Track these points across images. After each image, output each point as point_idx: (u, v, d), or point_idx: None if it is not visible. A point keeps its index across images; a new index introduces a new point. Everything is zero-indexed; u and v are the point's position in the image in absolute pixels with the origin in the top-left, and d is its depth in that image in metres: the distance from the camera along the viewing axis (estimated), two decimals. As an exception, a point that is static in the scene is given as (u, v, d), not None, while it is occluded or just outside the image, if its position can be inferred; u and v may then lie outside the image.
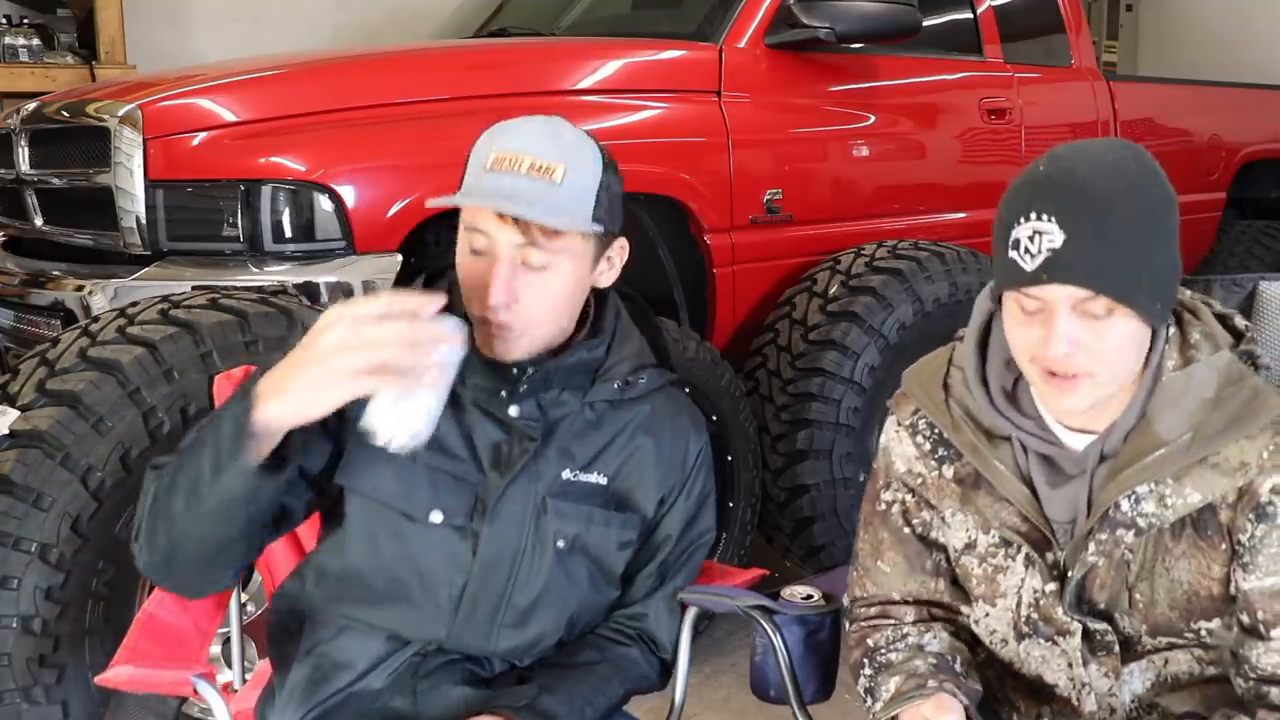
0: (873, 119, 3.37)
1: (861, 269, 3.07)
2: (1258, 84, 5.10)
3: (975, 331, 1.41)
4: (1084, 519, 1.34)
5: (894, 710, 1.39)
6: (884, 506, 1.51)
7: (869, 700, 1.46)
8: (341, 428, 1.38)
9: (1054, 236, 1.20)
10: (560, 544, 1.44)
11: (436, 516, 1.41)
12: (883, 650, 1.47)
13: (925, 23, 3.24)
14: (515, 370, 1.40)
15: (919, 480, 1.46)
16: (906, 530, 1.49)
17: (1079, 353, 1.23)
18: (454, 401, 1.40)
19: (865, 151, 3.33)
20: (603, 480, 1.48)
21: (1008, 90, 3.74)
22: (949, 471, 1.43)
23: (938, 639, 1.47)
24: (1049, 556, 1.37)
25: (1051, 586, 1.37)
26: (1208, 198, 4.57)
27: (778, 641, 1.58)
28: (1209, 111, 4.63)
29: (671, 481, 1.53)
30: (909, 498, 1.48)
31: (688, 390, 2.71)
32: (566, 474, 1.45)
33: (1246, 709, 1.32)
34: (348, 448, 1.40)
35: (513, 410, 1.42)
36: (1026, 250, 1.22)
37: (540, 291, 1.38)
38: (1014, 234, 1.23)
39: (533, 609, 1.45)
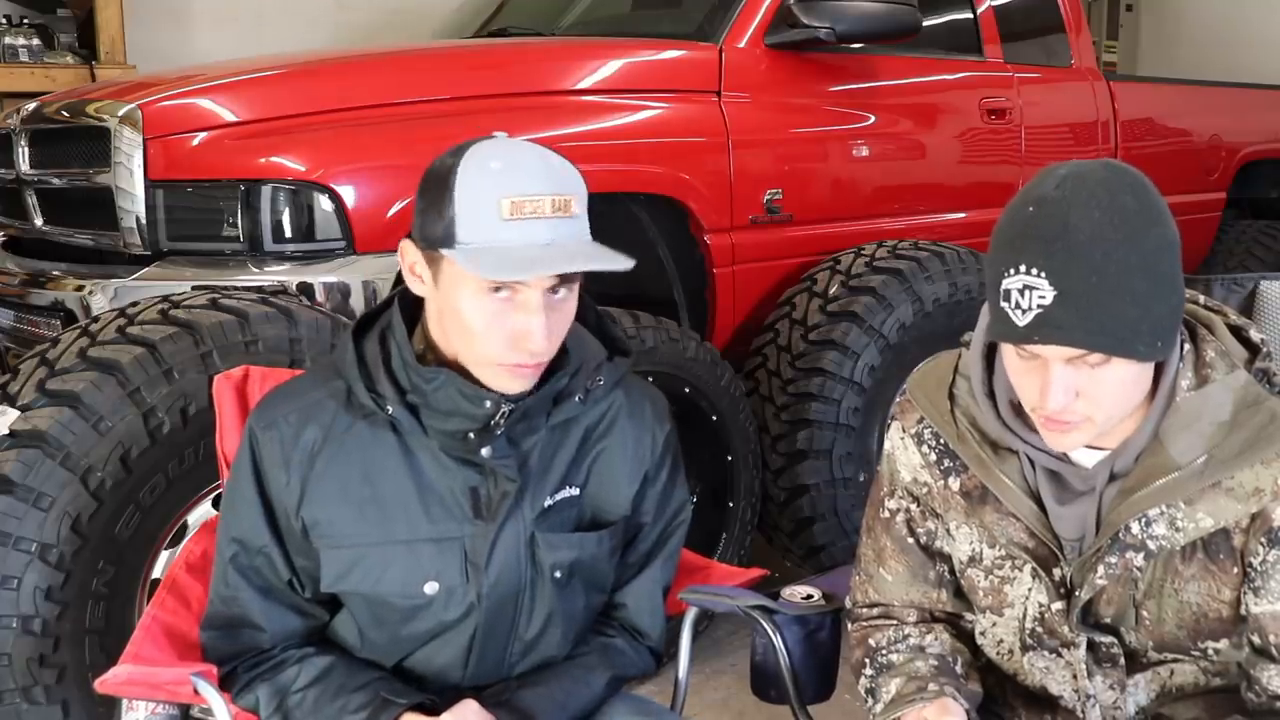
0: (873, 119, 3.37)
1: (861, 269, 3.06)
2: (1258, 84, 5.09)
3: (981, 343, 1.36)
4: (1092, 537, 1.32)
5: (895, 713, 1.39)
6: (887, 515, 1.49)
7: (870, 701, 1.46)
8: (309, 545, 1.41)
9: (1044, 293, 1.16)
10: (558, 574, 1.44)
11: (431, 588, 1.40)
12: (884, 650, 1.47)
13: (925, 23, 3.24)
14: (490, 405, 1.35)
15: (924, 489, 1.44)
16: (910, 540, 1.47)
17: (1076, 401, 1.21)
18: (411, 464, 1.39)
19: (865, 151, 3.33)
20: (575, 491, 1.47)
21: (1008, 90, 3.73)
22: (955, 484, 1.41)
23: (939, 640, 1.46)
24: (1056, 573, 1.35)
25: (1059, 605, 1.35)
26: (1208, 198, 4.57)
27: (778, 641, 1.58)
28: (1209, 111, 4.62)
29: (642, 473, 1.52)
30: (914, 507, 1.46)
31: (688, 390, 2.73)
32: (547, 500, 1.44)
33: (1255, 718, 1.31)
34: (321, 557, 1.41)
35: (485, 451, 1.38)
36: (1018, 305, 1.17)
37: (560, 321, 1.36)
38: (1004, 285, 1.19)
39: (539, 637, 1.46)
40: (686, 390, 2.74)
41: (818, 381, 2.95)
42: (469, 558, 1.40)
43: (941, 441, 1.41)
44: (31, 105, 2.95)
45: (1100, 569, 1.31)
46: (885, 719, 1.40)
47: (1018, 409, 1.33)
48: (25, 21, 4.76)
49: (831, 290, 3.04)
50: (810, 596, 1.64)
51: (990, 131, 3.65)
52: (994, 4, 3.80)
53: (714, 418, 2.82)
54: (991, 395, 1.35)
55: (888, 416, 1.53)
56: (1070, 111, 3.97)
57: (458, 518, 1.40)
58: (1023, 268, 1.17)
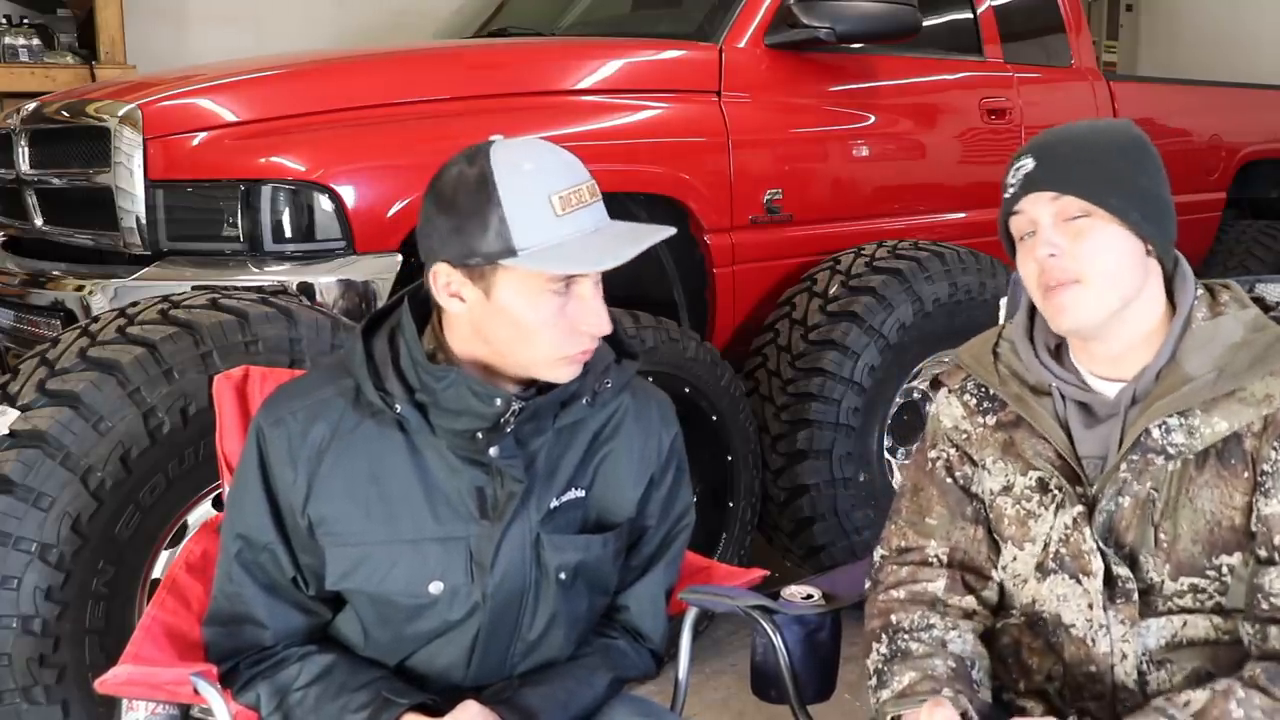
0: (873, 119, 3.37)
1: (861, 269, 3.07)
2: (1258, 84, 5.10)
3: (1027, 304, 1.52)
4: (1115, 455, 1.41)
5: (900, 709, 1.39)
6: (929, 464, 1.57)
7: (875, 682, 1.45)
8: (314, 543, 1.40)
9: (1029, 165, 1.40)
10: (562, 576, 1.44)
11: (436, 587, 1.40)
12: (905, 635, 1.46)
13: (925, 23, 3.24)
14: (500, 404, 1.35)
15: (964, 436, 1.54)
16: (949, 481, 1.55)
17: (1063, 257, 1.37)
18: (417, 463, 1.39)
19: (865, 151, 3.33)
20: (581, 493, 1.47)
21: (1008, 90, 3.74)
22: (991, 420, 1.52)
23: (962, 638, 1.46)
24: (1079, 489, 1.43)
25: (1079, 509, 1.42)
26: (1208, 198, 4.57)
27: (778, 641, 1.59)
28: (1209, 111, 4.63)
29: (647, 476, 1.52)
30: (953, 452, 1.55)
31: (688, 390, 2.73)
32: (553, 502, 1.44)
33: (1248, 658, 1.33)
34: (326, 555, 1.41)
35: (492, 451, 1.38)
36: (1009, 186, 1.41)
37: (604, 302, 1.39)
38: (1004, 183, 1.42)
39: (542, 638, 1.46)
40: (686, 390, 2.74)
41: (818, 381, 2.95)
42: (474, 558, 1.40)
43: (982, 389, 1.54)
44: (31, 105, 2.95)
45: (1124, 466, 1.39)
46: (890, 711, 1.40)
47: (1053, 354, 1.49)
48: (25, 21, 4.76)
49: (831, 290, 3.04)
50: (810, 596, 1.64)
51: (990, 131, 3.66)
52: (994, 4, 3.80)
53: (714, 418, 2.83)
54: (1031, 343, 1.51)
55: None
56: (1070, 111, 3.96)
57: (464, 517, 1.40)
58: (1017, 161, 1.42)
